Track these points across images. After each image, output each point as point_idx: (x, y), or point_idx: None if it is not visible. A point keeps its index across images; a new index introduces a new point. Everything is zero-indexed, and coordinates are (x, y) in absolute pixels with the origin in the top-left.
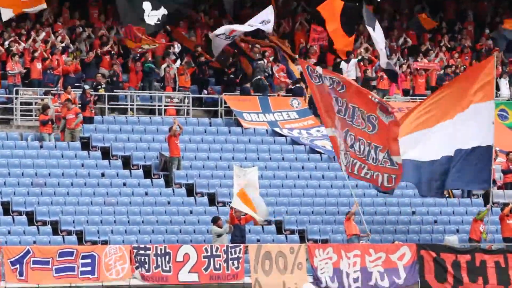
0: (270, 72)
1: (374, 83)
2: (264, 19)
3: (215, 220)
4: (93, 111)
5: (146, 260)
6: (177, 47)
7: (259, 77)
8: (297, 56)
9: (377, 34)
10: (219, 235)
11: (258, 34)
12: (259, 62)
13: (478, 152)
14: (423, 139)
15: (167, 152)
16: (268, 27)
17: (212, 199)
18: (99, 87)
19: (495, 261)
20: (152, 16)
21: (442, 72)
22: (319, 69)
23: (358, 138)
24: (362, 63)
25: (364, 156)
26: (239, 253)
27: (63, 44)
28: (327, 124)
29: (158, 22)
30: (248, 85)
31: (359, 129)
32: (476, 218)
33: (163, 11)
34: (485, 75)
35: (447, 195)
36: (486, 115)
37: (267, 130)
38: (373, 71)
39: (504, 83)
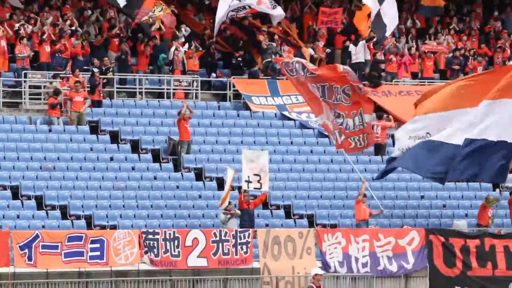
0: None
1: (383, 66)
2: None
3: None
4: (101, 95)
5: (155, 245)
6: (184, 31)
7: (269, 59)
8: (302, 45)
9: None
10: (227, 219)
11: (266, 18)
12: (269, 44)
13: (503, 146)
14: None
15: (176, 136)
16: (278, 12)
17: (221, 184)
18: (108, 71)
19: (504, 246)
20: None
21: (450, 55)
22: (293, 59)
23: (336, 113)
24: (372, 46)
25: (349, 129)
26: (248, 237)
27: (73, 28)
28: (316, 113)
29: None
30: (256, 68)
31: (334, 103)
32: (485, 205)
33: None
34: None
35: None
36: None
37: (275, 114)
38: (383, 53)
39: None
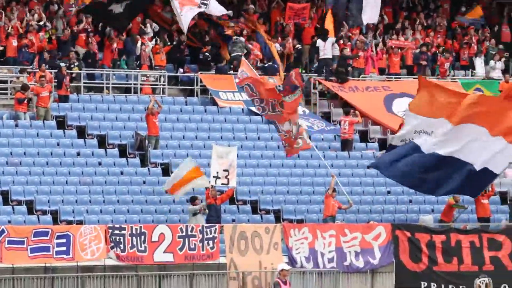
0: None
1: (351, 61)
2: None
3: (192, 200)
4: (68, 90)
5: (121, 240)
6: (151, 26)
7: (239, 53)
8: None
9: None
10: (194, 214)
11: (233, 12)
12: (237, 38)
13: (485, 173)
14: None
15: (143, 131)
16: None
17: None
18: (73, 65)
19: (470, 241)
20: None
21: (417, 50)
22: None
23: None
24: (341, 41)
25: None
26: (214, 233)
27: (41, 23)
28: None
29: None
30: (224, 63)
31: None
32: (452, 205)
33: None
34: None
35: None
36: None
37: (243, 109)
38: (350, 49)
39: (479, 62)
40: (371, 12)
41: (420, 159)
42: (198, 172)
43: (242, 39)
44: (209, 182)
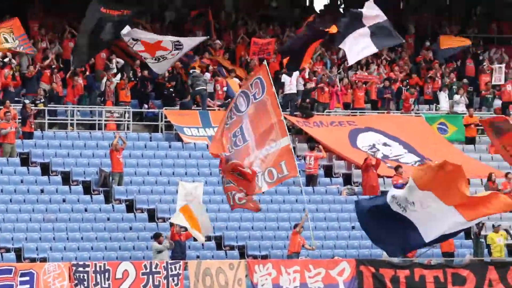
0: (211, 85)
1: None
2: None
3: (157, 236)
4: (33, 126)
5: (85, 277)
6: (116, 62)
7: (203, 87)
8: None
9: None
10: (159, 251)
11: (199, 48)
12: (195, 72)
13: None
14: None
15: (107, 168)
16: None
17: (152, 215)
18: (38, 101)
19: (434, 276)
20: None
21: (381, 85)
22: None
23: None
24: (306, 76)
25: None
26: (179, 269)
27: (5, 59)
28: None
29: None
30: (188, 98)
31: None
32: None
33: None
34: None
35: None
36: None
37: (207, 145)
38: (316, 83)
39: (443, 96)
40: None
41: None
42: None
43: (198, 71)
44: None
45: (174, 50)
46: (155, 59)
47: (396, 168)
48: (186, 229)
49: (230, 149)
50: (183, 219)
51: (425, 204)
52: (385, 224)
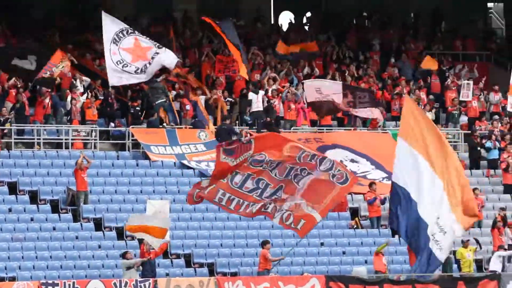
0: (170, 95)
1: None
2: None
3: (124, 254)
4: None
5: None
6: (79, 81)
7: (163, 100)
8: (204, 87)
9: None
10: (128, 268)
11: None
12: (156, 83)
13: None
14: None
15: (75, 186)
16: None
17: (120, 233)
18: (6, 121)
19: None
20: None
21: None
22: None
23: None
24: (270, 94)
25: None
26: (148, 287)
27: None
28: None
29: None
30: (155, 116)
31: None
32: (376, 252)
33: None
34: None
35: (355, 226)
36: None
37: (175, 163)
38: (281, 101)
39: None
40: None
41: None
42: (162, 233)
43: (161, 84)
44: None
45: (140, 72)
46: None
47: (370, 185)
48: (153, 248)
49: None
50: (151, 238)
51: None
52: None
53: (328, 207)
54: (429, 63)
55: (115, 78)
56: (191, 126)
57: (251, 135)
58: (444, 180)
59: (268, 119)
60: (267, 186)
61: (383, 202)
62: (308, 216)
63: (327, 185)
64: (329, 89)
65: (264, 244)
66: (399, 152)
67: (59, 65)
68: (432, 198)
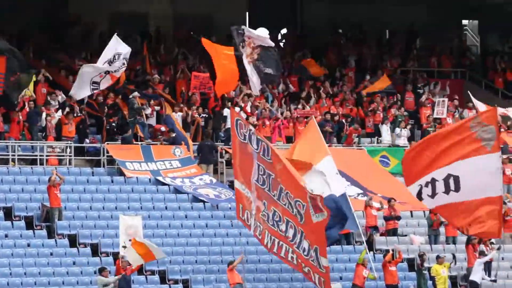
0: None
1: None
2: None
3: (101, 270)
4: None
5: None
6: (59, 97)
7: (138, 117)
8: (180, 103)
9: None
10: (105, 285)
11: (138, 82)
12: (130, 99)
13: (344, 198)
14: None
15: (49, 203)
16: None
17: (95, 250)
18: None
19: None
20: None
21: (322, 119)
22: (251, 128)
23: (285, 219)
24: (249, 111)
25: (291, 240)
26: None
27: None
28: (238, 178)
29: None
30: (129, 132)
31: (287, 209)
32: (358, 262)
33: None
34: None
35: None
36: (330, 169)
37: (150, 179)
38: (256, 118)
39: (385, 129)
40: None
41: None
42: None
43: (135, 101)
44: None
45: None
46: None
47: (389, 201)
48: (129, 264)
49: None
50: (135, 255)
51: None
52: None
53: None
54: (384, 82)
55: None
56: (166, 143)
57: (226, 152)
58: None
59: None
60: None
61: None
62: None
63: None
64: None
65: (228, 265)
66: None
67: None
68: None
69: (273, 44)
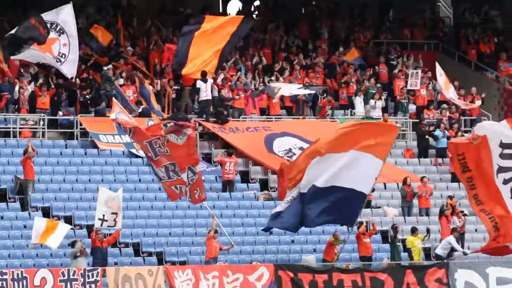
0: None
1: (230, 103)
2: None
3: (73, 243)
4: None
5: (4, 285)
6: (32, 69)
7: (109, 88)
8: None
9: None
10: (75, 256)
11: (115, 54)
12: (103, 71)
13: (354, 194)
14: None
15: (22, 175)
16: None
17: (69, 222)
18: None
19: (352, 280)
20: None
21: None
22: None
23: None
24: (220, 83)
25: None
26: (97, 276)
27: None
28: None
29: None
30: (103, 105)
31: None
32: (332, 242)
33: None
34: (387, 137)
35: None
36: (373, 169)
37: (123, 152)
38: (230, 90)
39: (359, 101)
40: None
41: (301, 199)
42: (53, 223)
43: (107, 71)
44: (94, 225)
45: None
46: (57, 60)
47: None
48: (106, 236)
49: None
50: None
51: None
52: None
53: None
54: (352, 55)
55: (64, 69)
56: (138, 115)
57: (200, 124)
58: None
59: (220, 108)
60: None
61: None
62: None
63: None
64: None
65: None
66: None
67: None
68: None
69: None
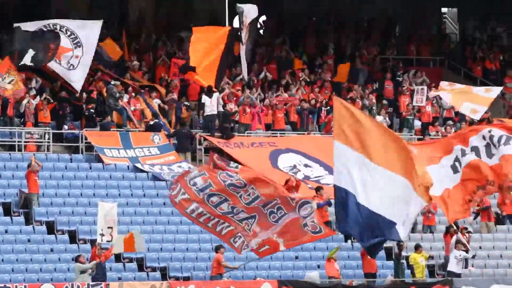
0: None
1: (236, 117)
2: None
3: (77, 258)
4: None
5: None
6: (35, 82)
7: (112, 104)
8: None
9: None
10: (82, 272)
11: (120, 70)
12: (109, 86)
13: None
14: None
15: (27, 189)
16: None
17: (73, 237)
18: None
19: None
20: None
21: (299, 106)
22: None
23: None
24: (226, 98)
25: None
26: None
27: None
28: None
29: None
30: (108, 119)
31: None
32: (328, 257)
33: None
34: None
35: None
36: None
37: (128, 166)
38: (237, 105)
39: None
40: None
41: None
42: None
43: (114, 88)
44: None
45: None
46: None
47: (317, 189)
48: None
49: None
50: (121, 243)
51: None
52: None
53: (295, 244)
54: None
55: (74, 80)
56: (143, 129)
57: (205, 139)
58: (397, 170)
59: (225, 124)
60: (242, 211)
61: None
62: (272, 242)
63: (300, 230)
64: None
65: (217, 248)
66: (337, 154)
67: (5, 77)
68: (392, 195)
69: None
